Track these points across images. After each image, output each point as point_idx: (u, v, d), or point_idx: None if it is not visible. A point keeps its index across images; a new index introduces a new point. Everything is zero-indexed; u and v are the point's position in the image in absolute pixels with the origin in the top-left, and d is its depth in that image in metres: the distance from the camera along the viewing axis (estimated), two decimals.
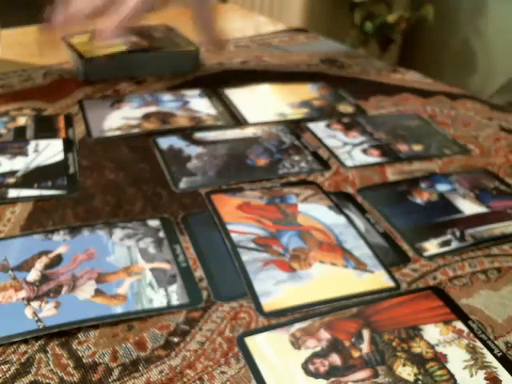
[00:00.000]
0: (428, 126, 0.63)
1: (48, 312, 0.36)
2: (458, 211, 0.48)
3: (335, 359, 0.34)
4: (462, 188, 0.51)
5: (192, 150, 0.56)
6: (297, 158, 0.55)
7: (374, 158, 0.56)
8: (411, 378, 0.33)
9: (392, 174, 0.54)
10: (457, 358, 0.34)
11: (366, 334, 0.36)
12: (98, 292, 0.38)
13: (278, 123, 0.62)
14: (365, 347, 0.35)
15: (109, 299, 0.38)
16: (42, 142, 0.55)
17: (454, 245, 0.44)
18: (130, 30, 0.78)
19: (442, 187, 0.51)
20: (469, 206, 0.49)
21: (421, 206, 0.49)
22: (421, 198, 0.50)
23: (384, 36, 1.93)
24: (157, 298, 0.38)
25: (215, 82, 0.71)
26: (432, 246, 0.44)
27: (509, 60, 1.69)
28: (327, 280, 0.40)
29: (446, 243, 0.44)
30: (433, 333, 0.36)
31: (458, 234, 0.45)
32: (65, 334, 0.35)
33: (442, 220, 0.47)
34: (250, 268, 0.41)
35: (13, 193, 0.48)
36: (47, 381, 0.32)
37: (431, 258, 0.43)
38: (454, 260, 0.43)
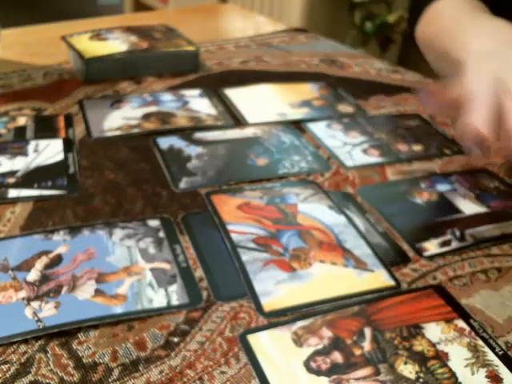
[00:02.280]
0: (428, 126, 0.63)
1: (48, 312, 0.36)
2: (458, 211, 0.48)
3: (337, 357, 0.34)
4: (462, 188, 0.51)
5: (192, 150, 0.56)
6: (297, 157, 0.55)
7: (374, 157, 0.56)
8: (412, 376, 0.33)
9: (392, 174, 0.54)
10: (458, 356, 0.34)
11: (367, 332, 0.36)
12: (98, 292, 0.38)
13: (277, 123, 0.62)
14: (366, 345, 0.35)
15: (109, 299, 0.37)
16: (42, 142, 0.55)
17: (454, 245, 0.44)
18: (131, 30, 0.78)
19: (442, 187, 0.51)
20: (469, 206, 0.49)
21: (421, 206, 0.49)
22: (421, 198, 0.50)
23: (384, 36, 1.93)
24: (157, 298, 0.38)
25: (215, 82, 0.71)
26: (432, 246, 0.44)
27: None
28: (327, 279, 0.40)
29: (446, 243, 0.44)
30: (434, 331, 0.36)
31: (457, 233, 0.45)
32: (65, 333, 0.35)
33: (442, 220, 0.47)
34: (250, 268, 0.41)
35: (13, 193, 0.48)
36: (47, 381, 0.32)
37: (431, 257, 0.43)
38: (454, 260, 0.43)
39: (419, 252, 0.43)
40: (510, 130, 0.42)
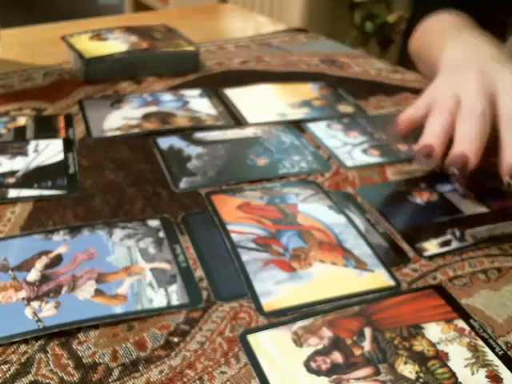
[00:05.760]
0: None
1: (48, 312, 0.36)
2: (458, 211, 0.48)
3: (337, 357, 0.34)
4: (462, 188, 0.51)
5: (192, 150, 0.56)
6: (297, 157, 0.55)
7: (374, 157, 0.56)
8: (412, 376, 0.33)
9: (392, 174, 0.54)
10: (458, 356, 0.34)
11: (367, 332, 0.36)
12: (97, 292, 0.38)
13: (278, 123, 0.62)
14: (366, 345, 0.35)
15: (109, 299, 0.37)
16: (42, 142, 0.55)
17: (454, 245, 0.44)
18: (131, 30, 0.78)
19: (442, 187, 0.51)
20: (469, 206, 0.49)
21: (421, 206, 0.49)
22: (421, 198, 0.50)
23: (384, 36, 1.94)
24: (157, 298, 0.38)
25: (215, 82, 0.71)
26: (432, 246, 0.44)
27: None
28: (327, 279, 0.40)
29: (445, 243, 0.44)
30: (434, 331, 0.36)
31: (457, 234, 0.45)
32: (65, 334, 0.35)
33: (442, 220, 0.47)
34: (250, 268, 0.41)
35: (13, 193, 0.48)
36: (47, 381, 0.32)
37: (431, 257, 0.43)
38: (454, 260, 0.43)
39: (419, 252, 0.43)
40: (453, 154, 0.47)
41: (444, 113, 0.49)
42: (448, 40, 0.62)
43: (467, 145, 0.47)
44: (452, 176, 0.47)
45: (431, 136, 0.48)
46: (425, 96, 0.54)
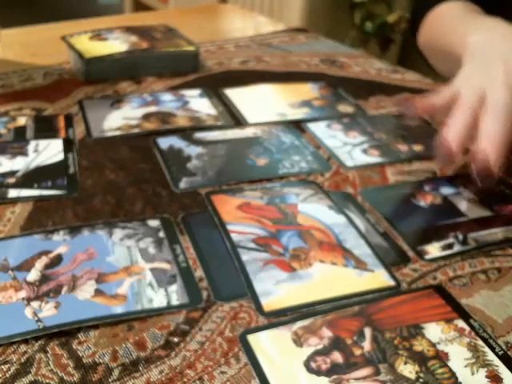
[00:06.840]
0: (428, 126, 0.63)
1: (48, 312, 0.36)
2: (461, 215, 0.48)
3: (337, 357, 0.34)
4: (467, 191, 0.51)
5: (192, 150, 0.56)
6: (297, 157, 0.55)
7: (374, 158, 0.56)
8: (412, 376, 0.33)
9: (392, 174, 0.54)
10: (458, 356, 0.34)
11: (367, 332, 0.36)
12: (98, 292, 0.38)
13: (277, 123, 0.62)
14: (366, 345, 0.35)
15: (109, 299, 0.37)
16: (42, 142, 0.55)
17: (457, 248, 0.44)
18: (131, 30, 0.78)
19: (446, 190, 0.51)
20: (473, 210, 0.49)
21: (424, 209, 0.49)
22: (424, 200, 0.50)
23: (384, 36, 1.93)
24: (157, 298, 0.38)
25: (215, 82, 0.71)
26: (434, 249, 0.44)
27: None
28: (327, 279, 0.40)
29: (448, 246, 0.44)
30: (434, 331, 0.36)
31: (460, 237, 0.45)
32: (65, 334, 0.35)
33: (445, 223, 0.47)
34: (250, 268, 0.41)
35: (13, 193, 0.48)
36: (47, 381, 0.32)
37: (433, 261, 0.43)
38: (455, 260, 0.43)
39: (421, 255, 0.43)
40: (475, 151, 0.46)
41: (467, 109, 0.49)
42: (469, 26, 0.61)
43: (489, 142, 0.46)
44: (475, 175, 0.46)
45: (452, 133, 0.48)
46: (451, 85, 0.53)
